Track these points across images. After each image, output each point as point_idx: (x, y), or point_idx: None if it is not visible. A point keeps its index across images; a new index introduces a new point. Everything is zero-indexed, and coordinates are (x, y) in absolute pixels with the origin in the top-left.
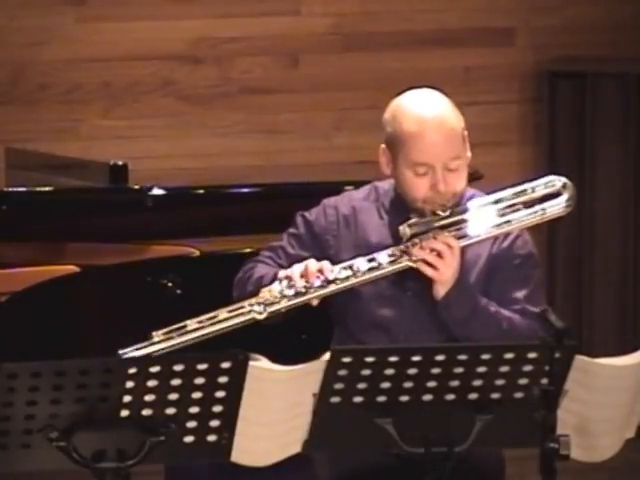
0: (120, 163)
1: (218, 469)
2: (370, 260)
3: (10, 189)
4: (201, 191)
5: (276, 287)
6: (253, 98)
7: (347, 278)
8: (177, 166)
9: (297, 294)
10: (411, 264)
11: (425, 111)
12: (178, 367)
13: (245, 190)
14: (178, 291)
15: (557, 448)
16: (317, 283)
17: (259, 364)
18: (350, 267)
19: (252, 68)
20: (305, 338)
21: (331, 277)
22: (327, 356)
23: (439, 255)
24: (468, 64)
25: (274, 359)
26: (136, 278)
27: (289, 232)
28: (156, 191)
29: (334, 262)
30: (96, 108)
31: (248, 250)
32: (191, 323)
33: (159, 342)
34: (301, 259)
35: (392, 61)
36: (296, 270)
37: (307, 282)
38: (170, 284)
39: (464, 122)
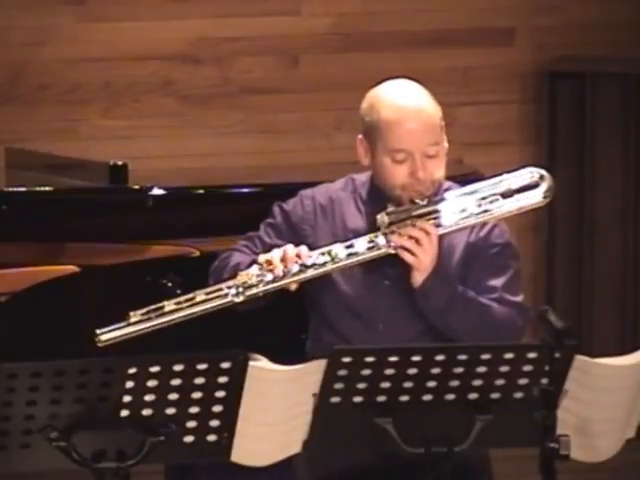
0: (120, 163)
1: (218, 469)
2: (348, 247)
3: (10, 189)
4: (201, 191)
5: (254, 271)
6: (253, 98)
7: (325, 264)
8: (177, 166)
9: (275, 278)
10: (390, 250)
11: (403, 99)
12: (178, 367)
13: (245, 190)
14: (178, 291)
15: (557, 448)
16: (295, 268)
17: (259, 364)
18: (328, 253)
19: (252, 68)
20: (305, 338)
21: (309, 262)
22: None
23: (417, 242)
24: (468, 64)
25: (274, 359)
26: (136, 278)
27: (266, 222)
28: (156, 191)
29: (312, 250)
30: (96, 108)
31: None
32: (169, 304)
33: (137, 323)
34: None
35: (392, 61)
36: (275, 254)
37: (285, 267)
38: (170, 284)
39: (441, 112)
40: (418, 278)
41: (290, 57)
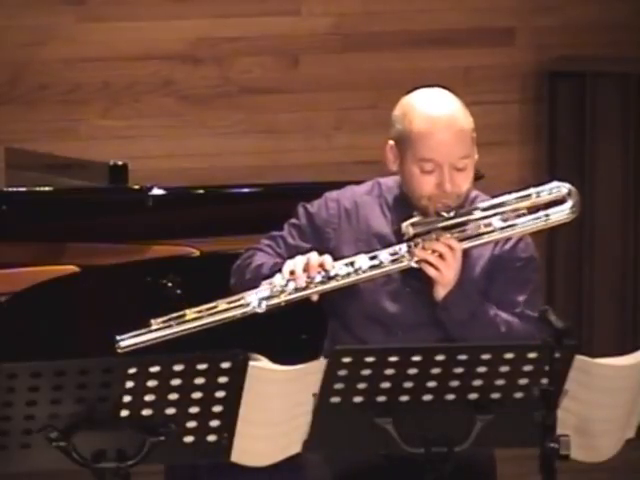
0: (120, 163)
1: (218, 469)
2: (372, 258)
3: (10, 189)
4: (201, 191)
5: (277, 281)
6: (253, 98)
7: (348, 275)
8: (177, 166)
9: (297, 289)
10: (413, 264)
11: (436, 110)
12: (178, 367)
13: (245, 190)
14: (178, 291)
15: (557, 448)
16: (318, 278)
17: (259, 364)
18: (352, 264)
19: (252, 68)
20: (305, 338)
21: (332, 273)
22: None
23: (441, 256)
24: (468, 64)
25: (274, 359)
26: (136, 278)
27: (290, 222)
28: (156, 191)
29: (334, 255)
30: (96, 108)
31: None
32: (190, 312)
33: (157, 330)
34: (301, 250)
35: (392, 61)
36: (299, 264)
37: (308, 276)
38: (170, 284)
39: (473, 123)
40: (441, 292)
41: (290, 57)
